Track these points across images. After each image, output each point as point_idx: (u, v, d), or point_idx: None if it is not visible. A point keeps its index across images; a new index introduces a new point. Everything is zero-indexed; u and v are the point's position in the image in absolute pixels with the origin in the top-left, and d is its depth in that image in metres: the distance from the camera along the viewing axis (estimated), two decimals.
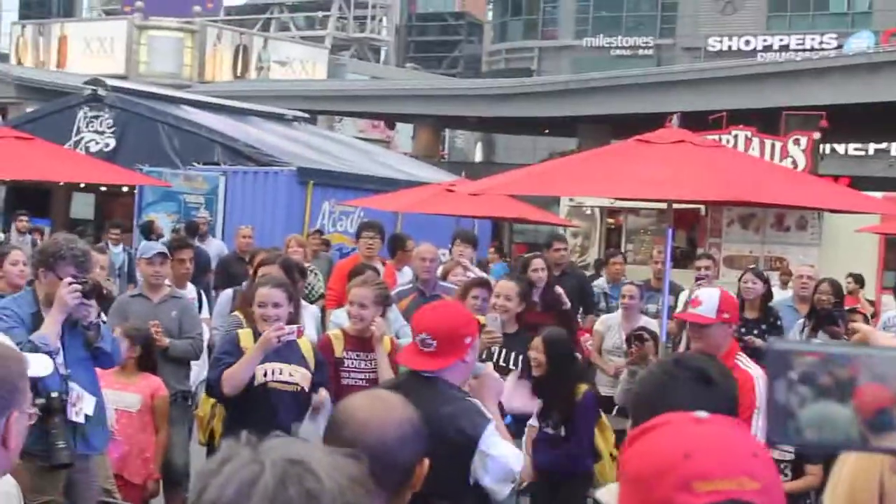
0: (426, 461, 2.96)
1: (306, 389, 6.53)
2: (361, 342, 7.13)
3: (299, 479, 1.66)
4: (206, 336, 8.83)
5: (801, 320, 10.16)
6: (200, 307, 9.25)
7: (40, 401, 5.69)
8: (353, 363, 7.14)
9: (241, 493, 1.63)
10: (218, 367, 6.37)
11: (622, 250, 21.20)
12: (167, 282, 8.76)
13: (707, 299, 6.13)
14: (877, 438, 1.21)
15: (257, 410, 6.27)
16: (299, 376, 6.48)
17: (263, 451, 1.70)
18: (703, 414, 1.93)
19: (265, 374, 6.36)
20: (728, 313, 6.09)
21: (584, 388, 7.64)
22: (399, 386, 4.36)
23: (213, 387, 6.46)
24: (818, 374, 1.21)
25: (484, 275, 10.85)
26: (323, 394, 6.53)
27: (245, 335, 6.53)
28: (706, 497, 1.76)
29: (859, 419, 1.21)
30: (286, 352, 6.48)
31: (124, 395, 7.43)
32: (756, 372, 5.74)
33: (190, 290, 9.34)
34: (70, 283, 6.10)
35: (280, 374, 6.41)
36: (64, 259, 6.23)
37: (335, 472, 1.71)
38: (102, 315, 6.67)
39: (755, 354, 7.17)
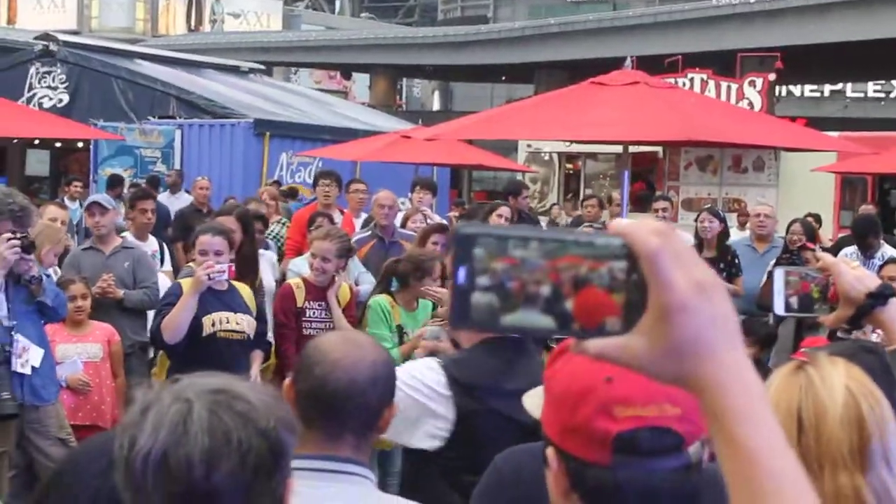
0: (395, 405, 2.96)
1: (251, 337, 6.54)
2: (323, 292, 7.19)
3: (229, 405, 1.67)
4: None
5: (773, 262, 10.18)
6: (163, 260, 9.16)
7: None
8: (314, 313, 7.18)
9: (176, 432, 1.64)
10: (159, 316, 6.33)
11: (581, 195, 21.28)
12: (126, 233, 8.68)
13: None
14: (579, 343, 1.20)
15: (207, 360, 6.07)
16: (245, 324, 6.47)
17: (182, 389, 1.70)
18: None
19: (213, 325, 6.31)
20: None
21: None
22: None
23: (154, 336, 6.45)
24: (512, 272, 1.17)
25: (444, 220, 10.87)
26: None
27: (187, 284, 6.40)
28: (627, 422, 1.74)
29: (576, 325, 1.18)
30: (230, 300, 6.47)
31: (87, 346, 7.41)
32: None
33: (152, 243, 9.22)
34: (8, 239, 6.10)
35: (227, 322, 6.38)
36: (2, 214, 6.20)
37: (258, 393, 1.73)
38: (56, 270, 6.63)
39: None
